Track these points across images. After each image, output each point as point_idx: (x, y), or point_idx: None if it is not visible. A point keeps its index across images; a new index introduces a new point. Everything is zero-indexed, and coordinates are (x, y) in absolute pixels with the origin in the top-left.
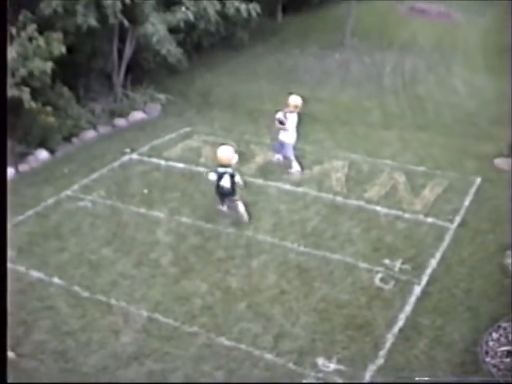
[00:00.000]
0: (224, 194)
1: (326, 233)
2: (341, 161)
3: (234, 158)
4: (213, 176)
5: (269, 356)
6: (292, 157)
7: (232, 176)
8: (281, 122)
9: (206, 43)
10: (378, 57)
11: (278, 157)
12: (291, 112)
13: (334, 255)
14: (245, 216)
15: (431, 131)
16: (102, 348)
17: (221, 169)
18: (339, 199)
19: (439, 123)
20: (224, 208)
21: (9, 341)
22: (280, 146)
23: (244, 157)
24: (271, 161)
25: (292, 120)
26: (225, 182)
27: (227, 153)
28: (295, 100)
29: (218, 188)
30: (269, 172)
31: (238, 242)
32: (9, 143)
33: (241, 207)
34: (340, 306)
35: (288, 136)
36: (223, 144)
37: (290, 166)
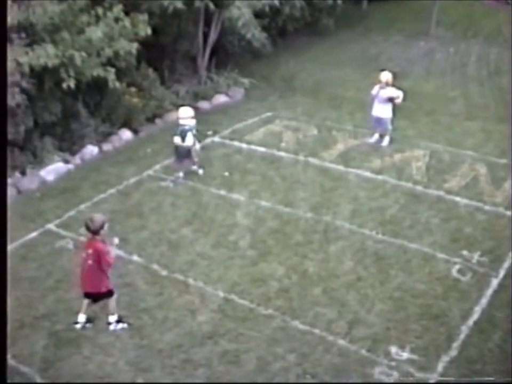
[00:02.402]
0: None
1: (405, 221)
2: (422, 150)
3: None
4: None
5: (342, 342)
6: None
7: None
8: (391, 99)
9: (290, 28)
10: (463, 47)
11: (376, 137)
12: (382, 88)
13: (412, 244)
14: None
15: None
16: (178, 326)
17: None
18: (419, 188)
19: None
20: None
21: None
22: (377, 122)
23: (325, 143)
24: (367, 142)
25: (394, 93)
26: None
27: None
28: (386, 76)
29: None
30: (350, 158)
31: (316, 227)
32: (93, 123)
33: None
34: (416, 296)
35: (387, 111)
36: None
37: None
